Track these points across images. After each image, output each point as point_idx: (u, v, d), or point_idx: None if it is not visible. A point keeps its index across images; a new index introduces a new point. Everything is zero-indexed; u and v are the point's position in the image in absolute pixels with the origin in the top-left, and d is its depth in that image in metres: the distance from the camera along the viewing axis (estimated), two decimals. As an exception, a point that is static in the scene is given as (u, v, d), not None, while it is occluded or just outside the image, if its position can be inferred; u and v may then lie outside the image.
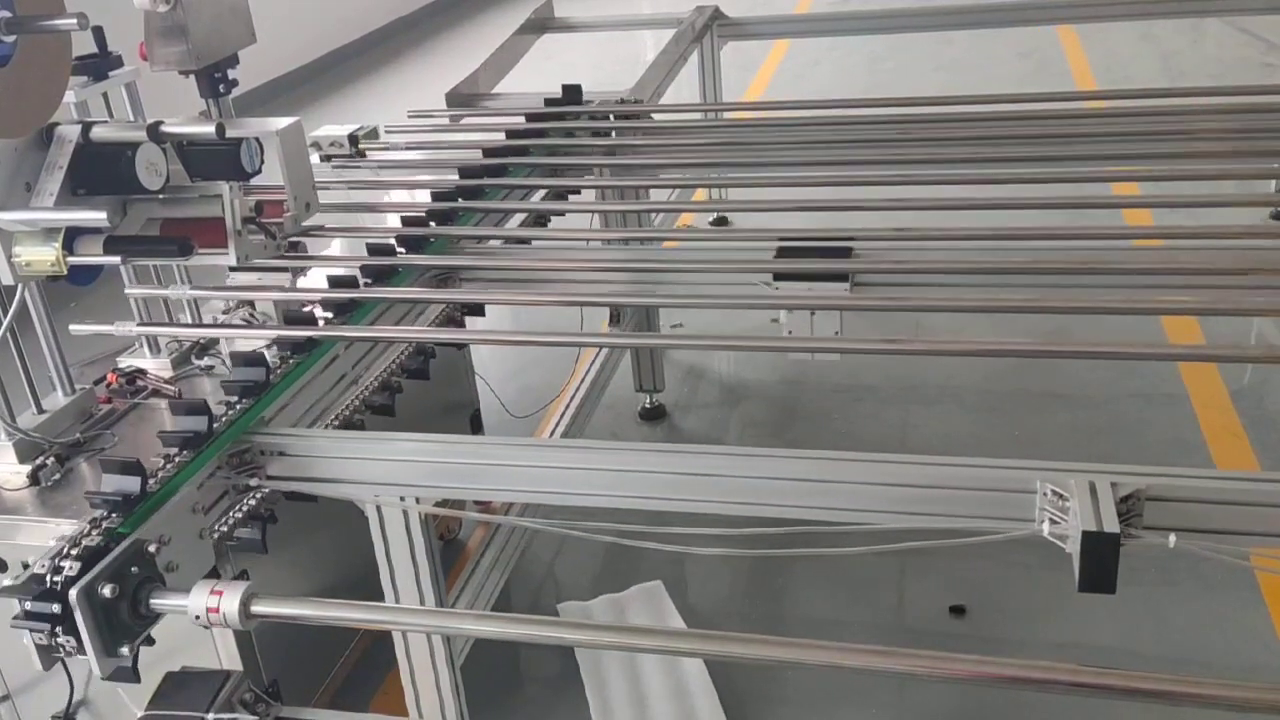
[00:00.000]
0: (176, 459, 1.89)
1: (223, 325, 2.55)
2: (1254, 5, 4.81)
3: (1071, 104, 3.36)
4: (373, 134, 3.39)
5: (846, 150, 3.08)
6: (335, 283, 2.48)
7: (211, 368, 2.61)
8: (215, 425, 1.95)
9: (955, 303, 2.43)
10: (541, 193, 3.12)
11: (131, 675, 1.65)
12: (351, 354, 2.33)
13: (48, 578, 1.58)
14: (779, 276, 2.38)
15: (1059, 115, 3.14)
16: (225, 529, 1.93)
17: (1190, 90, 3.39)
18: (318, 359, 2.22)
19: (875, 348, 2.18)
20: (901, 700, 2.68)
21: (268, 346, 2.33)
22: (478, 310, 2.72)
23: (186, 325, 2.62)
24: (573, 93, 3.71)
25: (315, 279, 2.57)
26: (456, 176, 3.09)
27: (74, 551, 1.63)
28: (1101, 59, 7.39)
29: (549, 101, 3.68)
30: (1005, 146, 2.97)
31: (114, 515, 1.73)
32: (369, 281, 2.51)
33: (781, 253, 2.45)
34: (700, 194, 4.94)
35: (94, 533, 1.68)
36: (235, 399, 2.05)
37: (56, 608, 1.56)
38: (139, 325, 2.39)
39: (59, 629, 1.57)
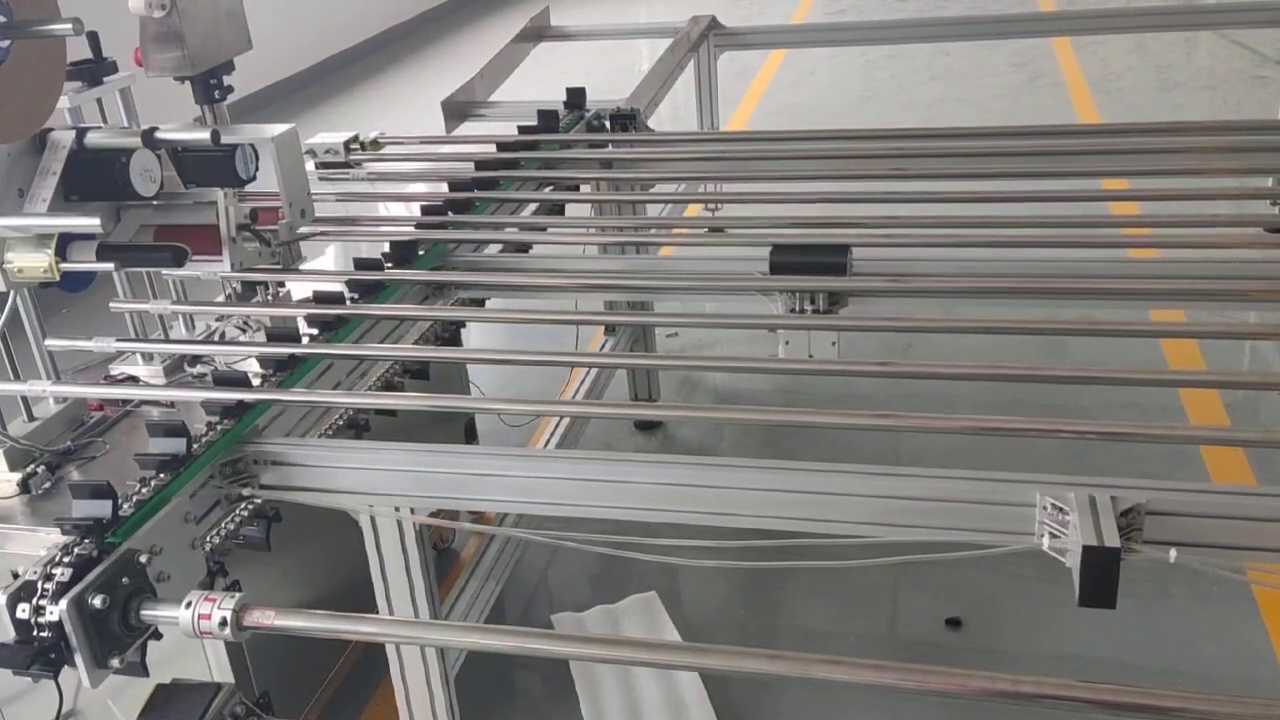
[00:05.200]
0: (153, 483, 1.80)
1: (204, 340, 2.53)
2: (1246, 19, 4.82)
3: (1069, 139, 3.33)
4: (359, 145, 3.24)
5: (842, 180, 3.02)
6: (321, 298, 2.38)
7: (204, 375, 2.59)
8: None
9: (951, 323, 2.43)
10: (532, 207, 2.99)
11: (141, 670, 1.64)
12: (345, 363, 2.31)
13: (39, 585, 1.57)
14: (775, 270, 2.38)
15: (1055, 152, 3.11)
16: (217, 540, 1.91)
17: (1188, 126, 3.35)
18: (308, 370, 2.20)
19: (869, 369, 2.16)
20: (896, 713, 2.67)
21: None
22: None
23: (165, 340, 2.59)
24: (549, 119, 3.44)
25: (302, 292, 2.54)
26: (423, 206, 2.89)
27: (65, 560, 1.61)
28: (1096, 69, 7.42)
29: (523, 129, 3.42)
30: (1003, 177, 2.93)
31: (85, 541, 1.65)
32: (355, 298, 2.44)
33: (775, 261, 2.44)
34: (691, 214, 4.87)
35: (86, 540, 1.66)
36: (152, 473, 1.83)
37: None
38: (117, 341, 2.26)
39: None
